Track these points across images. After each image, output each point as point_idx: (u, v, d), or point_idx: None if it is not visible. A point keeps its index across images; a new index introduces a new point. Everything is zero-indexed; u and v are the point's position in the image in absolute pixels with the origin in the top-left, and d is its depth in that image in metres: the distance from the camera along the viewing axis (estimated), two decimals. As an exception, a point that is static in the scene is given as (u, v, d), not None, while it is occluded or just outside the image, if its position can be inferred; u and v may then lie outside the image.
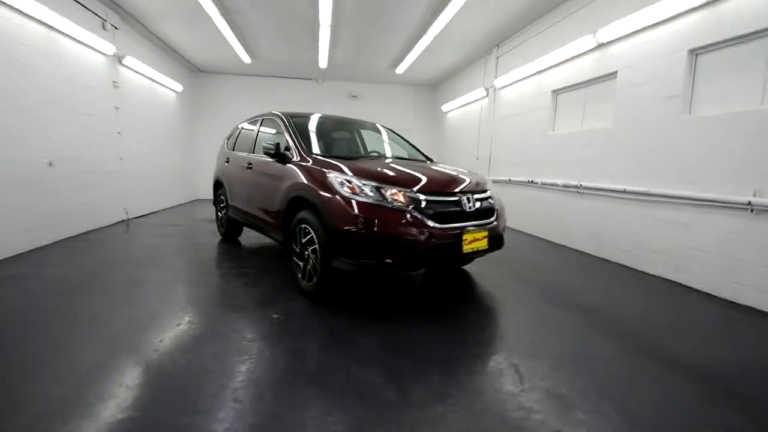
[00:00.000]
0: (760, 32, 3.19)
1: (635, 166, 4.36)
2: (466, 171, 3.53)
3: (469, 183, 3.16)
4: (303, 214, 3.06)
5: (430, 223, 2.74)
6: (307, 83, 10.91)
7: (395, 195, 2.73)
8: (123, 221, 6.41)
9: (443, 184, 3.01)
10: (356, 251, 2.64)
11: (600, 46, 4.87)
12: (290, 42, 7.67)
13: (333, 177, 2.86)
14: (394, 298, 3.19)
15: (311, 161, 3.23)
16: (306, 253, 3.05)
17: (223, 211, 5.23)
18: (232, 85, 10.70)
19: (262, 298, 3.05)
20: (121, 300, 2.92)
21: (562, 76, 5.70)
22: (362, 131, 4.50)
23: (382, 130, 4.62)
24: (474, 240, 2.89)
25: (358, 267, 2.66)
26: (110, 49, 5.84)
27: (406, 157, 4.11)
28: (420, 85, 11.39)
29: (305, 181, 3.06)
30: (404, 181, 2.88)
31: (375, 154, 4.19)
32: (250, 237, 5.42)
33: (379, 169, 3.02)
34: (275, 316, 2.78)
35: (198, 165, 10.52)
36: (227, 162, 5.00)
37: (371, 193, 2.71)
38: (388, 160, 3.64)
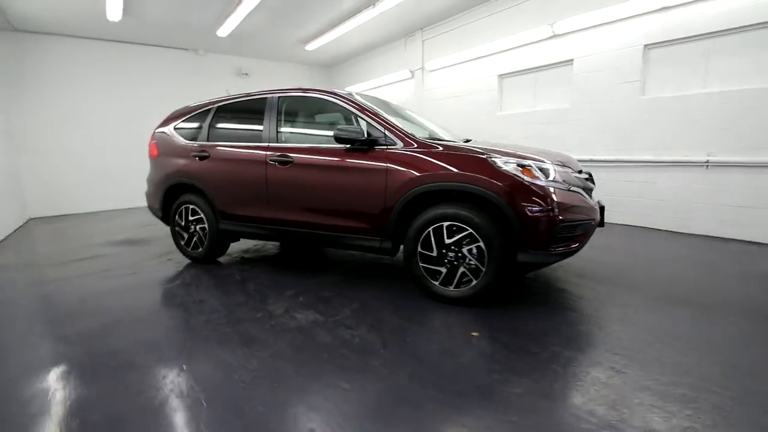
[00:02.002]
0: (698, 36, 4.38)
1: (595, 139, 5.34)
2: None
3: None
4: (447, 209, 2.56)
5: (591, 202, 2.74)
6: (183, 55, 8.60)
7: (563, 175, 2.59)
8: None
9: (570, 162, 3.01)
10: (548, 240, 2.41)
11: (555, 36, 5.62)
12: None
13: (504, 161, 2.48)
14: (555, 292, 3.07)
15: (428, 147, 2.69)
16: (451, 254, 2.58)
17: (195, 226, 3.77)
18: (79, 55, 7.51)
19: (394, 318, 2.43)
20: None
21: (510, 61, 6.32)
22: (403, 112, 3.89)
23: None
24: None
25: (548, 257, 2.44)
26: None
27: (447, 137, 3.83)
28: (314, 65, 10.56)
29: (458, 170, 2.53)
30: (560, 162, 2.74)
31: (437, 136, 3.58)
32: (233, 249, 4.14)
33: (518, 150, 2.74)
34: (474, 333, 2.30)
35: (31, 168, 7.19)
36: (201, 158, 3.59)
37: (548, 176, 2.48)
38: (480, 142, 3.30)
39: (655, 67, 4.77)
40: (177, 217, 3.87)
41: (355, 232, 2.96)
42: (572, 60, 5.50)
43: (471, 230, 2.52)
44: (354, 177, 2.88)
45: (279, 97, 3.37)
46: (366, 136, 2.79)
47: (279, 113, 3.34)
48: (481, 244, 2.50)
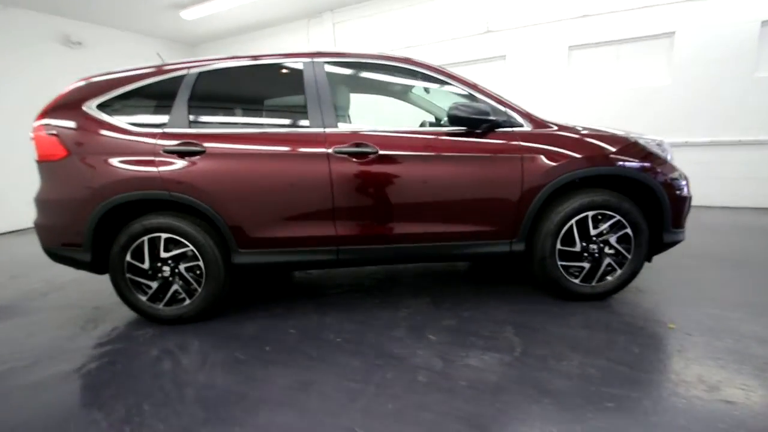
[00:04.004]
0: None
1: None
2: None
3: None
4: (594, 197, 2.26)
5: None
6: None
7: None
8: None
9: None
10: (685, 217, 2.42)
11: (488, 32, 5.93)
12: None
13: (646, 142, 2.35)
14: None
15: (567, 129, 2.34)
16: (594, 247, 2.31)
17: (175, 267, 2.24)
18: None
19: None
20: None
21: (444, 52, 6.29)
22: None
23: None
24: None
25: (683, 235, 2.45)
26: None
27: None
28: (177, 42, 8.24)
29: (613, 154, 2.26)
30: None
31: None
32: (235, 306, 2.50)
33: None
34: (672, 325, 2.09)
35: None
36: (185, 156, 2.17)
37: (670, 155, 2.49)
38: None
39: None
40: (130, 257, 2.27)
41: (476, 238, 2.33)
42: (505, 56, 5.97)
43: (619, 217, 2.32)
44: (477, 168, 2.25)
45: (327, 63, 2.34)
46: (486, 115, 2.21)
47: (333, 87, 2.32)
48: (629, 230, 2.34)
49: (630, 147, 2.32)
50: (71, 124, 2.27)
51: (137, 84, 2.33)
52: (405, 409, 1.55)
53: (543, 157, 2.26)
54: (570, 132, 2.35)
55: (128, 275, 2.29)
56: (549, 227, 2.32)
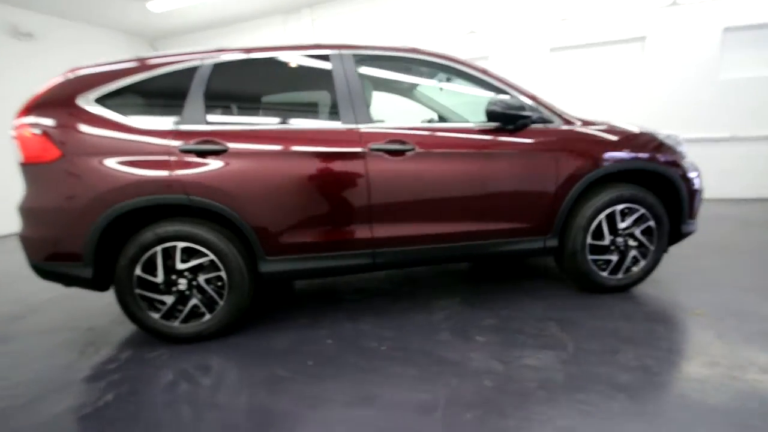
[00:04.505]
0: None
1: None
2: None
3: None
4: (622, 191, 2.31)
5: None
6: None
7: None
8: None
9: None
10: (698, 209, 2.54)
11: (472, 33, 6.00)
12: None
13: (665, 137, 2.44)
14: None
15: (590, 124, 2.38)
16: (620, 240, 2.37)
17: (193, 280, 2.02)
18: None
19: None
20: None
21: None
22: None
23: None
24: None
25: (696, 225, 2.57)
26: None
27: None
28: (136, 36, 7.62)
29: (638, 150, 2.34)
30: None
31: None
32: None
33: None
34: (699, 312, 2.17)
35: None
36: (204, 155, 1.96)
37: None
38: None
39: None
40: (140, 270, 2.01)
41: (512, 235, 2.30)
42: (488, 57, 6.07)
43: (644, 210, 2.39)
44: (515, 164, 2.23)
45: (355, 55, 2.20)
46: (521, 110, 2.19)
47: (362, 80, 2.19)
48: (652, 222, 2.42)
49: (653, 142, 2.41)
50: (64, 121, 1.97)
51: (140, 76, 2.07)
52: (485, 417, 1.47)
53: (576, 153, 2.28)
54: (597, 128, 2.40)
55: (138, 291, 2.03)
56: (580, 222, 2.34)
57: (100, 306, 2.76)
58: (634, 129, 2.50)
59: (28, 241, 2.04)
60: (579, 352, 1.88)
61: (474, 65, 2.34)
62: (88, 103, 2.00)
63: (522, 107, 2.16)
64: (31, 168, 1.99)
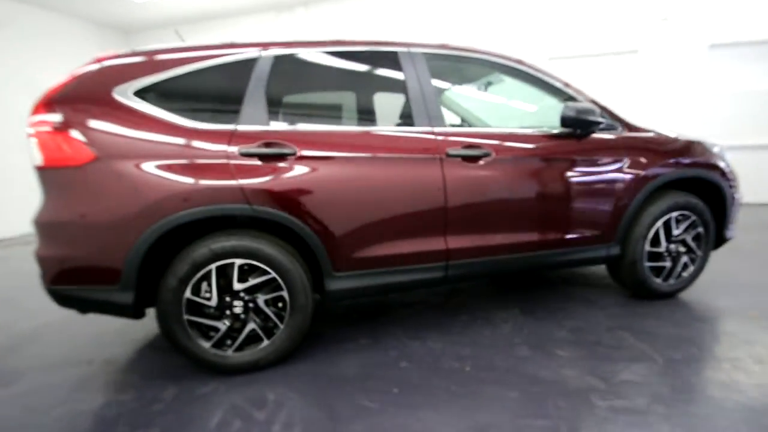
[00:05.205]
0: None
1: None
2: None
3: None
4: (677, 198, 2.32)
5: None
6: None
7: None
8: None
9: None
10: (735, 219, 2.63)
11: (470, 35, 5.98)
12: None
13: (710, 145, 2.49)
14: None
15: (647, 131, 2.39)
16: (673, 246, 2.39)
17: (250, 301, 1.76)
18: None
19: None
20: None
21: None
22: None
23: None
24: None
25: (732, 235, 2.65)
26: None
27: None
28: (109, 28, 6.93)
29: (696, 157, 2.38)
30: None
31: None
32: None
33: None
34: (753, 313, 2.22)
35: None
36: (269, 160, 1.73)
37: None
38: None
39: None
40: (191, 293, 1.72)
41: (580, 243, 2.24)
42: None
43: (695, 217, 2.43)
44: (587, 171, 2.19)
45: (425, 54, 2.05)
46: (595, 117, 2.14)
47: (434, 82, 2.03)
48: (701, 228, 2.46)
49: (706, 151, 2.46)
50: (98, 117, 1.66)
51: (188, 67, 1.79)
52: (619, 442, 1.39)
53: (640, 160, 2.28)
54: (656, 135, 2.41)
55: (187, 316, 1.75)
56: (641, 230, 2.34)
57: (110, 332, 2.39)
58: (690, 137, 2.55)
59: (47, 261, 1.69)
60: (671, 363, 1.84)
61: (543, 69, 2.28)
62: (126, 96, 1.70)
63: (594, 112, 2.12)
64: (53, 173, 1.66)
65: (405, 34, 6.23)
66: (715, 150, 2.54)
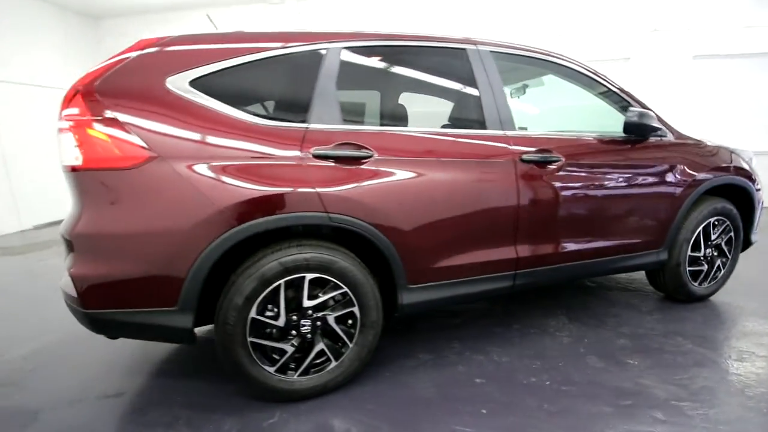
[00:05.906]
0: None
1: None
2: None
3: None
4: (715, 204, 2.39)
5: None
6: None
7: None
8: None
9: None
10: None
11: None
12: None
13: (739, 153, 2.56)
14: None
15: (691, 139, 2.42)
16: (709, 251, 2.45)
17: (319, 319, 1.58)
18: None
19: None
20: None
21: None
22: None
23: None
24: None
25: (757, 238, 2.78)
26: None
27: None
28: (73, 12, 6.24)
29: (733, 165, 2.45)
30: None
31: None
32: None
33: None
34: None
35: None
36: (344, 162, 1.56)
37: None
38: None
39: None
40: (257, 312, 1.51)
41: (634, 249, 2.24)
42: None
43: (728, 222, 2.52)
44: (646, 178, 2.21)
45: (493, 52, 1.94)
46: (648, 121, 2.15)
47: (501, 81, 1.93)
48: (732, 234, 2.56)
49: (740, 159, 2.55)
50: (152, 111, 1.42)
51: (249, 57, 1.58)
52: (736, 456, 1.36)
53: (689, 167, 2.32)
54: (697, 142, 2.46)
55: (251, 339, 1.54)
56: (685, 235, 2.39)
57: (111, 357, 2.08)
58: (729, 145, 2.63)
59: (85, 281, 1.41)
60: (734, 366, 1.88)
61: (601, 73, 2.26)
62: (183, 88, 1.47)
63: (654, 118, 2.12)
64: (95, 176, 1.39)
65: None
66: (745, 156, 2.66)
